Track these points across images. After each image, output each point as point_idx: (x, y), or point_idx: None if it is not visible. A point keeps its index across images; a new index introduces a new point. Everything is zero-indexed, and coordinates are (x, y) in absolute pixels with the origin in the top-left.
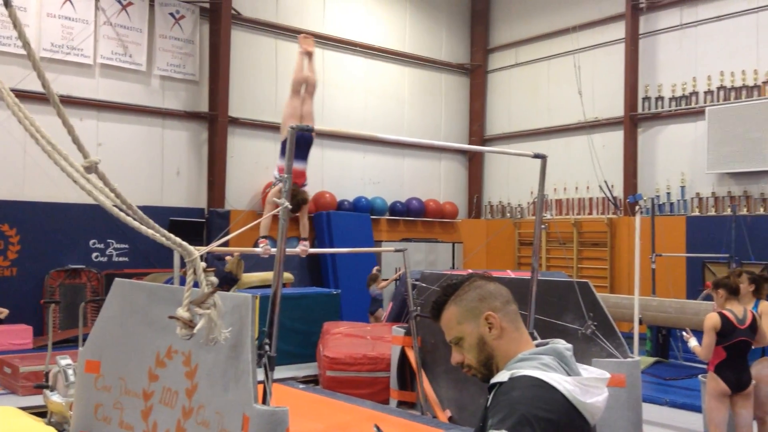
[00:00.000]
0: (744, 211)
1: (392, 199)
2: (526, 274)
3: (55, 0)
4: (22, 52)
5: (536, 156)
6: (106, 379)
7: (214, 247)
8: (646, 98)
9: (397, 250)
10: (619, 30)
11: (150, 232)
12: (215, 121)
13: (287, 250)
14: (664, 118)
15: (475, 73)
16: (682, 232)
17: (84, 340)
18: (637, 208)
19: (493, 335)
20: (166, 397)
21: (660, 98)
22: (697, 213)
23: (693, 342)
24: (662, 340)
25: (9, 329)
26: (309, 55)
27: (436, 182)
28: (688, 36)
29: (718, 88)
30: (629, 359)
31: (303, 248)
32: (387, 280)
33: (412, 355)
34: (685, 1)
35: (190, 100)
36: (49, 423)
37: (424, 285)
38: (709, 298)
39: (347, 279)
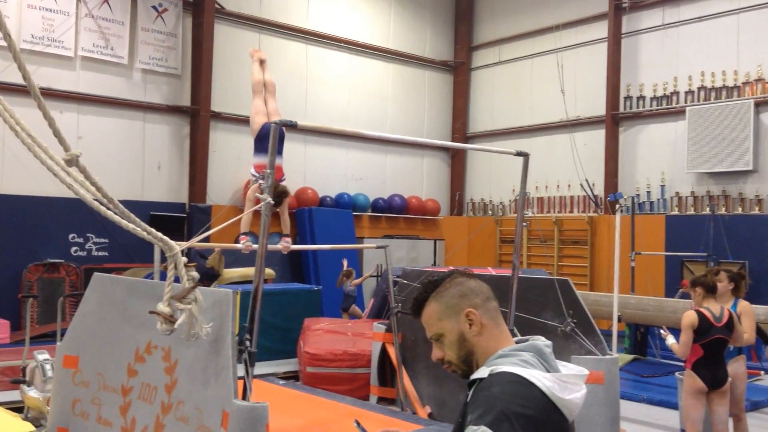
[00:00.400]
0: (722, 211)
1: (374, 196)
2: (507, 272)
3: None
4: (2, 43)
5: (519, 154)
6: (84, 374)
7: (195, 242)
8: (628, 97)
9: (378, 247)
10: (601, 29)
11: (131, 226)
12: (197, 116)
13: (269, 246)
14: (645, 117)
15: (458, 70)
16: (662, 230)
17: (62, 335)
18: (617, 206)
19: (473, 332)
20: (145, 392)
21: (641, 98)
22: (676, 212)
23: (671, 340)
24: (640, 337)
25: None
26: (261, 62)
27: (419, 179)
28: (670, 36)
29: (699, 89)
30: (608, 356)
31: (285, 245)
32: (360, 277)
33: (392, 352)
34: (668, 2)
35: (172, 94)
36: (26, 418)
37: (405, 282)
38: (686, 296)
39: (328, 275)
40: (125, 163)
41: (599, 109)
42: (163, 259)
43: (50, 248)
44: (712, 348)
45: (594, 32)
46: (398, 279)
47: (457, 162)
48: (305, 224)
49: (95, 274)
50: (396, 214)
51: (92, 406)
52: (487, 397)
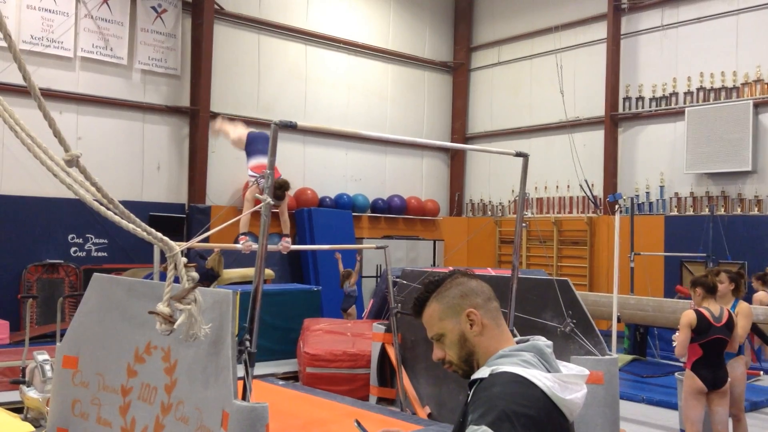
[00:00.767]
0: (721, 211)
1: (374, 196)
2: (506, 272)
3: None
4: (2, 44)
5: (518, 154)
6: (83, 374)
7: (195, 242)
8: (627, 98)
9: (378, 247)
10: (601, 30)
11: (131, 226)
12: (197, 116)
13: (269, 246)
14: (644, 118)
15: (457, 71)
16: (661, 231)
17: (62, 335)
18: (616, 207)
19: (474, 332)
20: (144, 393)
21: (640, 98)
22: (675, 213)
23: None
24: (640, 338)
25: None
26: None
27: (418, 180)
28: (669, 37)
29: (698, 89)
30: (607, 357)
31: (285, 245)
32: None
33: (392, 352)
34: (667, 3)
35: (172, 95)
36: (26, 419)
37: (404, 282)
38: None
39: (328, 276)
40: (125, 163)
41: (598, 109)
42: (163, 259)
43: (50, 249)
44: (712, 348)
45: (593, 33)
46: (398, 279)
47: (456, 162)
48: (305, 225)
49: (95, 274)
50: (395, 214)
51: (92, 406)
52: (488, 397)
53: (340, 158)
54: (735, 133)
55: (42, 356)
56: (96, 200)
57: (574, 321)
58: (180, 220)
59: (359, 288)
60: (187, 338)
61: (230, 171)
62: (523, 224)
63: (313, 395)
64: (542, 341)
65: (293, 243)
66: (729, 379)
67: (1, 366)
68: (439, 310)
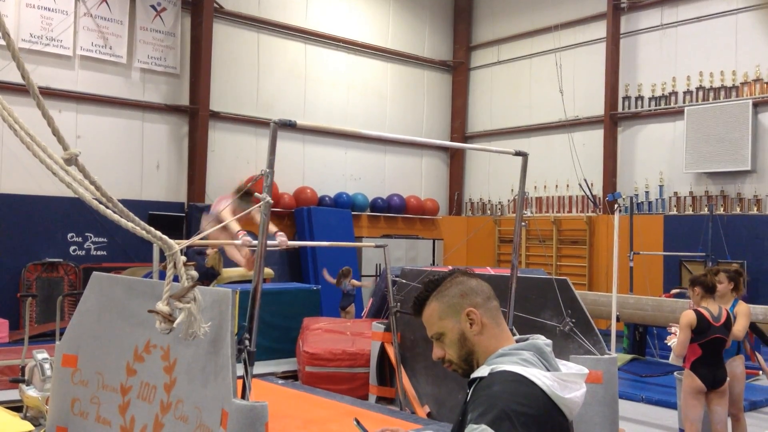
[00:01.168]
0: (721, 211)
1: (373, 195)
2: (505, 271)
3: None
4: (1, 42)
5: (517, 153)
6: (83, 373)
7: (194, 241)
8: (626, 97)
9: (377, 246)
10: (600, 29)
11: (130, 225)
12: (196, 115)
13: (269, 242)
14: (643, 117)
15: (457, 70)
16: (660, 230)
17: (61, 334)
18: (615, 206)
19: (474, 331)
20: (144, 391)
21: (640, 98)
22: (674, 212)
23: (674, 340)
24: (639, 337)
25: None
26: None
27: (418, 179)
28: (669, 36)
29: (697, 89)
30: (606, 356)
31: (282, 239)
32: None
33: (391, 351)
34: (666, 2)
35: (171, 94)
36: (25, 417)
37: (404, 281)
38: (681, 296)
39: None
40: (124, 162)
41: (598, 109)
42: (162, 258)
43: (49, 247)
44: (711, 347)
45: (592, 32)
46: (397, 278)
47: (455, 162)
48: (304, 223)
49: (94, 273)
50: (395, 213)
51: (91, 405)
52: (488, 396)
53: (339, 157)
54: (734, 133)
55: (41, 355)
56: (95, 199)
57: (574, 320)
58: (179, 218)
59: (358, 288)
60: (186, 337)
61: (229, 170)
62: (523, 223)
63: (313, 394)
64: (542, 340)
65: (292, 240)
66: (728, 379)
67: (0, 365)
68: (439, 309)
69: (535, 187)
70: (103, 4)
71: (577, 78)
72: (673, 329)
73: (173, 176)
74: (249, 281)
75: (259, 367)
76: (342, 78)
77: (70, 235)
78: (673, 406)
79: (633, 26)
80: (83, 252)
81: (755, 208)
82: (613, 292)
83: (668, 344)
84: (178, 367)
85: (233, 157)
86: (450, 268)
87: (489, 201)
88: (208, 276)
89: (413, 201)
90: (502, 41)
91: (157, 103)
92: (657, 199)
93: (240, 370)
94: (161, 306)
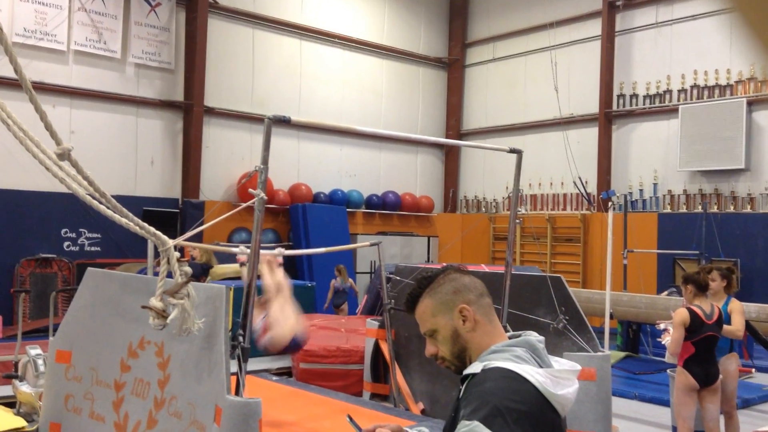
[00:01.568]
0: (714, 209)
1: (368, 192)
2: (500, 269)
3: None
4: None
5: (512, 151)
6: (76, 369)
7: (188, 237)
8: (621, 95)
9: (371, 244)
10: (595, 27)
11: (124, 221)
12: (190, 111)
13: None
14: (638, 115)
15: (452, 67)
16: (654, 228)
17: (55, 330)
18: (609, 204)
19: (466, 328)
20: (137, 388)
21: (634, 96)
22: (668, 210)
23: (668, 338)
24: (632, 334)
25: None
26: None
27: (413, 176)
28: (663, 34)
29: (692, 87)
30: (600, 353)
31: (280, 250)
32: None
33: (385, 348)
34: (661, 0)
35: (166, 89)
36: (18, 413)
37: (398, 278)
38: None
39: (322, 272)
40: (118, 158)
41: (592, 106)
42: (157, 254)
43: (43, 243)
44: (704, 345)
45: (588, 30)
46: (391, 275)
47: (450, 159)
48: (299, 220)
49: (88, 269)
50: (390, 210)
51: (85, 401)
52: (480, 393)
53: (334, 154)
54: (728, 131)
55: (35, 351)
56: (89, 194)
57: (567, 318)
58: (174, 215)
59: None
60: (180, 333)
61: (224, 166)
62: (517, 221)
63: (307, 391)
64: (534, 336)
65: (287, 239)
66: (720, 377)
67: None
68: (432, 306)
69: (530, 184)
70: None
71: (572, 76)
72: (662, 326)
73: (167, 172)
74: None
75: (253, 364)
76: (337, 74)
77: (63, 230)
78: (666, 403)
79: (628, 24)
80: (77, 248)
81: (749, 207)
82: (606, 290)
83: (662, 343)
84: (171, 363)
85: (228, 153)
86: (444, 265)
87: (484, 198)
88: (204, 271)
89: (408, 198)
90: (498, 38)
91: (152, 99)
92: (651, 197)
93: (234, 367)
94: (155, 302)
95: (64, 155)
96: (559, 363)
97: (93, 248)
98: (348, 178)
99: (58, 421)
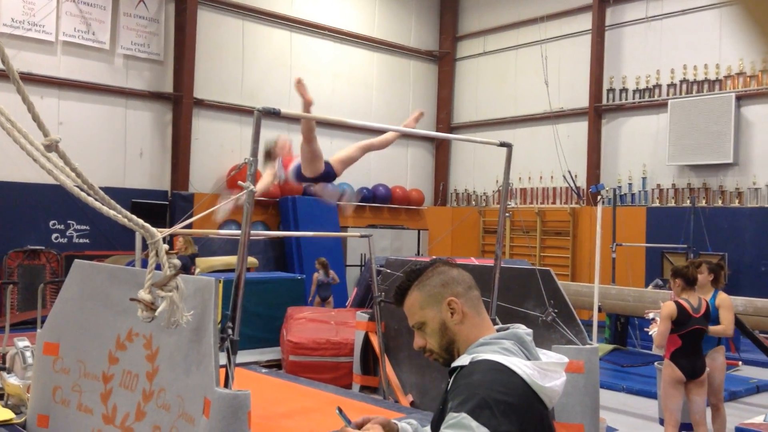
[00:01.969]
0: (703, 203)
1: (359, 185)
2: (489, 262)
3: None
4: None
5: (502, 144)
6: (64, 361)
7: (177, 229)
8: (611, 90)
9: (362, 236)
10: (585, 21)
11: (112, 213)
12: (180, 102)
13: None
14: (627, 109)
15: (443, 60)
16: (643, 222)
17: (42, 322)
18: (599, 198)
19: (455, 320)
20: (126, 380)
21: (624, 90)
22: (657, 204)
23: (655, 329)
24: (621, 327)
25: None
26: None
27: (403, 169)
28: (653, 29)
29: (681, 82)
30: (588, 346)
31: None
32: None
33: (375, 341)
34: None
35: (155, 80)
36: (6, 405)
37: (388, 271)
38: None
39: (312, 264)
40: (107, 149)
41: (582, 101)
42: (145, 246)
43: (31, 235)
44: (690, 338)
45: (578, 24)
46: (382, 268)
47: (441, 152)
48: (289, 213)
49: (76, 261)
50: (380, 203)
51: (73, 393)
52: (468, 385)
53: (324, 146)
54: (717, 126)
55: (23, 343)
56: (77, 186)
57: (556, 310)
58: (163, 207)
59: (343, 277)
60: (168, 325)
61: (213, 158)
62: (507, 214)
63: (296, 383)
64: (522, 329)
65: (277, 230)
66: (707, 369)
67: None
68: (420, 298)
69: (520, 178)
70: None
71: (563, 70)
72: (650, 315)
73: (156, 164)
74: (232, 270)
75: (243, 356)
76: (327, 67)
77: (52, 222)
78: (653, 395)
79: (618, 19)
80: (65, 239)
81: (737, 201)
82: (595, 283)
83: (649, 333)
84: (160, 355)
85: (217, 145)
86: (434, 258)
87: (474, 192)
88: (193, 261)
89: (399, 191)
90: (488, 32)
91: (141, 90)
92: (640, 191)
93: (223, 359)
94: (143, 294)
95: (52, 146)
96: (547, 356)
97: (81, 240)
98: None
99: (46, 413)
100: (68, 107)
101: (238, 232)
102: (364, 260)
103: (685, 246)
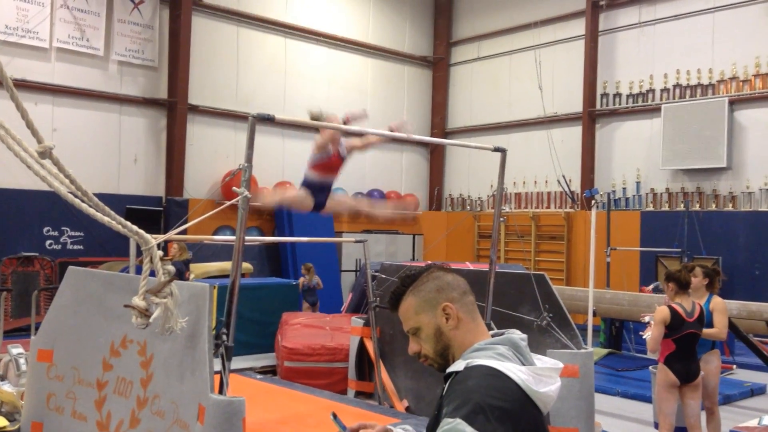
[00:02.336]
0: (696, 207)
1: (354, 191)
2: (484, 266)
3: None
4: None
5: (496, 149)
6: (58, 368)
7: (171, 235)
8: (605, 95)
9: (357, 241)
10: (579, 27)
11: (106, 219)
12: (174, 109)
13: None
14: (621, 114)
15: (437, 66)
16: (637, 226)
17: (36, 328)
18: (593, 202)
19: (449, 326)
20: (120, 386)
21: (618, 95)
22: (651, 208)
23: (649, 333)
24: (615, 332)
25: None
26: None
27: (398, 174)
28: (646, 34)
29: (674, 86)
30: (583, 350)
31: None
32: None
33: (370, 346)
34: (644, 0)
35: (149, 87)
36: (0, 413)
37: (383, 276)
38: (658, 290)
39: None
40: (101, 155)
41: (576, 106)
42: (139, 253)
43: (25, 241)
44: (684, 343)
45: (571, 30)
46: (377, 273)
47: (435, 157)
48: (284, 219)
49: (70, 267)
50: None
51: (67, 400)
52: (463, 390)
53: None
54: (710, 130)
55: (16, 350)
56: (71, 192)
57: (551, 315)
58: (157, 213)
59: (338, 283)
60: (163, 332)
61: (208, 164)
62: (501, 219)
63: (291, 389)
64: (517, 334)
65: (272, 236)
66: (702, 373)
67: None
68: (415, 303)
69: (514, 183)
70: None
71: (556, 75)
72: (646, 318)
73: (151, 170)
74: (227, 276)
75: (238, 362)
76: (322, 72)
77: (46, 229)
78: (648, 399)
79: (611, 24)
80: (59, 246)
81: (730, 205)
82: (589, 287)
83: (644, 337)
84: (154, 362)
85: (212, 151)
86: (429, 263)
87: (468, 196)
88: (186, 266)
89: (393, 196)
90: (482, 38)
91: (135, 96)
92: (634, 196)
93: (217, 365)
94: (137, 301)
95: (46, 153)
96: (541, 361)
97: (75, 246)
98: None
99: (40, 420)
100: (62, 114)
101: (233, 237)
102: (359, 265)
103: (679, 250)
